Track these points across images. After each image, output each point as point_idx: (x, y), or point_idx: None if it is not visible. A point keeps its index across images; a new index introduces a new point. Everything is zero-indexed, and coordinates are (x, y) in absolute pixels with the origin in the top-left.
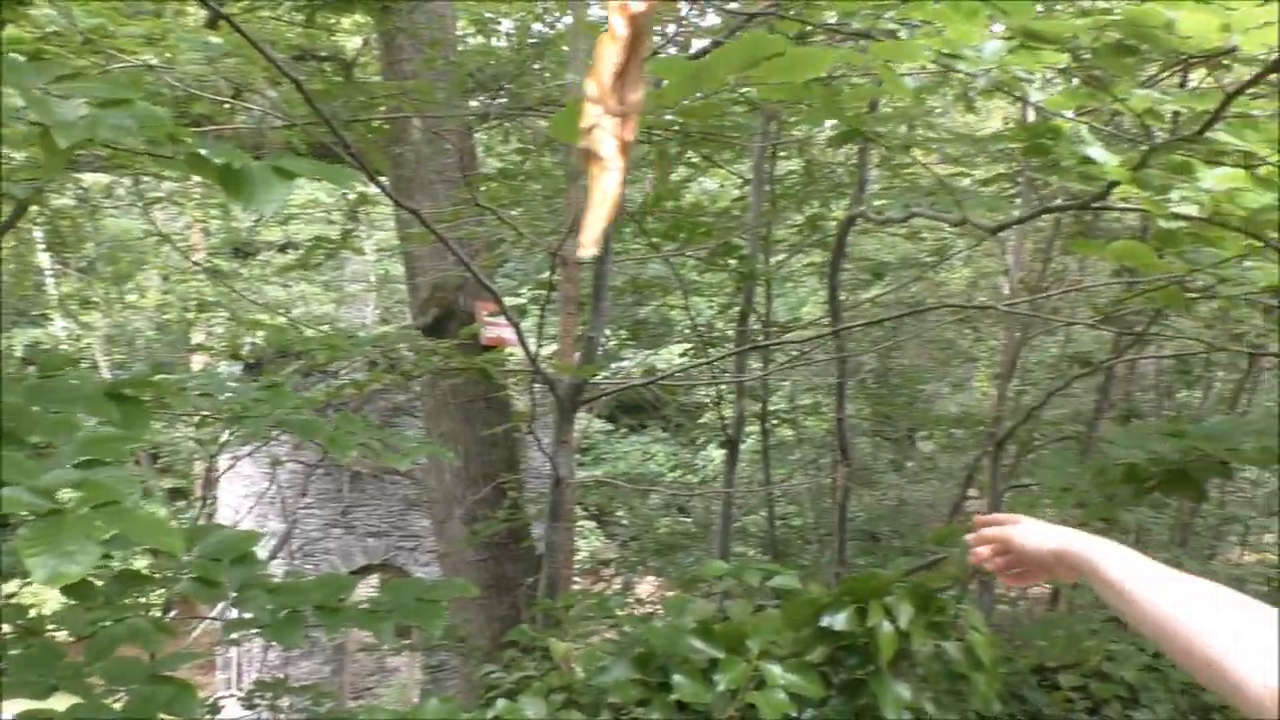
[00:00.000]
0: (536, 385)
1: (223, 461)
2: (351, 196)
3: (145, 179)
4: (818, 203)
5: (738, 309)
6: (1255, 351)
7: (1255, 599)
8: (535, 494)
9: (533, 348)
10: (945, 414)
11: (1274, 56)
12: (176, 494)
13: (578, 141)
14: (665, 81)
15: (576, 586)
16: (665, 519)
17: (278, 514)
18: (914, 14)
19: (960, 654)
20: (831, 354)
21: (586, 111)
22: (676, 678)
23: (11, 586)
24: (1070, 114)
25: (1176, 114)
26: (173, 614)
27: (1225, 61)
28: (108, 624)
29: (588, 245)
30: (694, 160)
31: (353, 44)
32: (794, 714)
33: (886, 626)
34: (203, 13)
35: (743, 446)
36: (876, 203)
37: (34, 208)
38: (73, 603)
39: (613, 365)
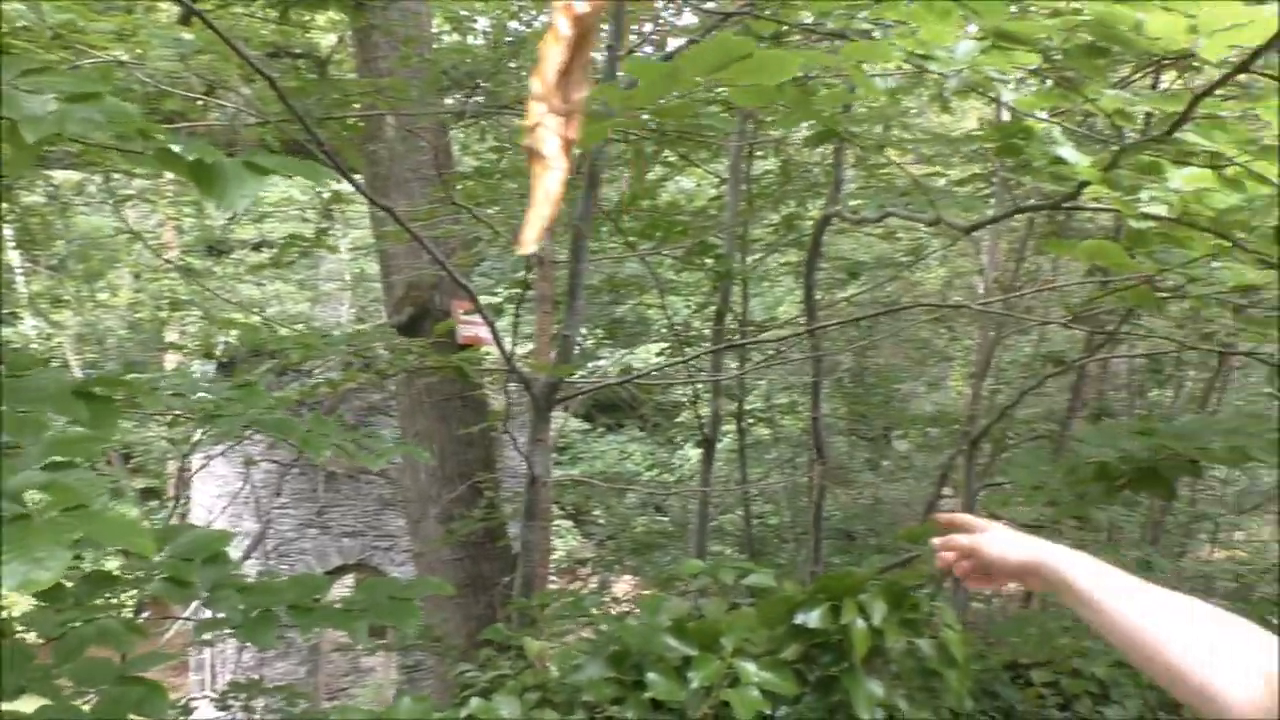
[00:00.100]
0: (512, 384)
1: (195, 461)
2: (326, 194)
3: (116, 176)
4: (794, 202)
5: (714, 308)
6: (1225, 350)
7: (1226, 598)
8: (512, 493)
9: (508, 346)
10: (920, 413)
11: (1241, 58)
12: (149, 494)
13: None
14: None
15: (553, 585)
16: (642, 518)
17: (252, 514)
18: (887, 14)
19: (933, 651)
20: (807, 353)
21: (530, 110)
22: (651, 676)
23: None
24: (1044, 115)
25: (1149, 115)
26: (145, 615)
27: (1196, 64)
28: (77, 625)
29: (528, 243)
30: (671, 159)
31: (327, 41)
32: (768, 711)
33: (860, 624)
34: (175, 9)
35: (719, 445)
36: (852, 202)
37: (3, 205)
38: (42, 604)
39: (589, 364)
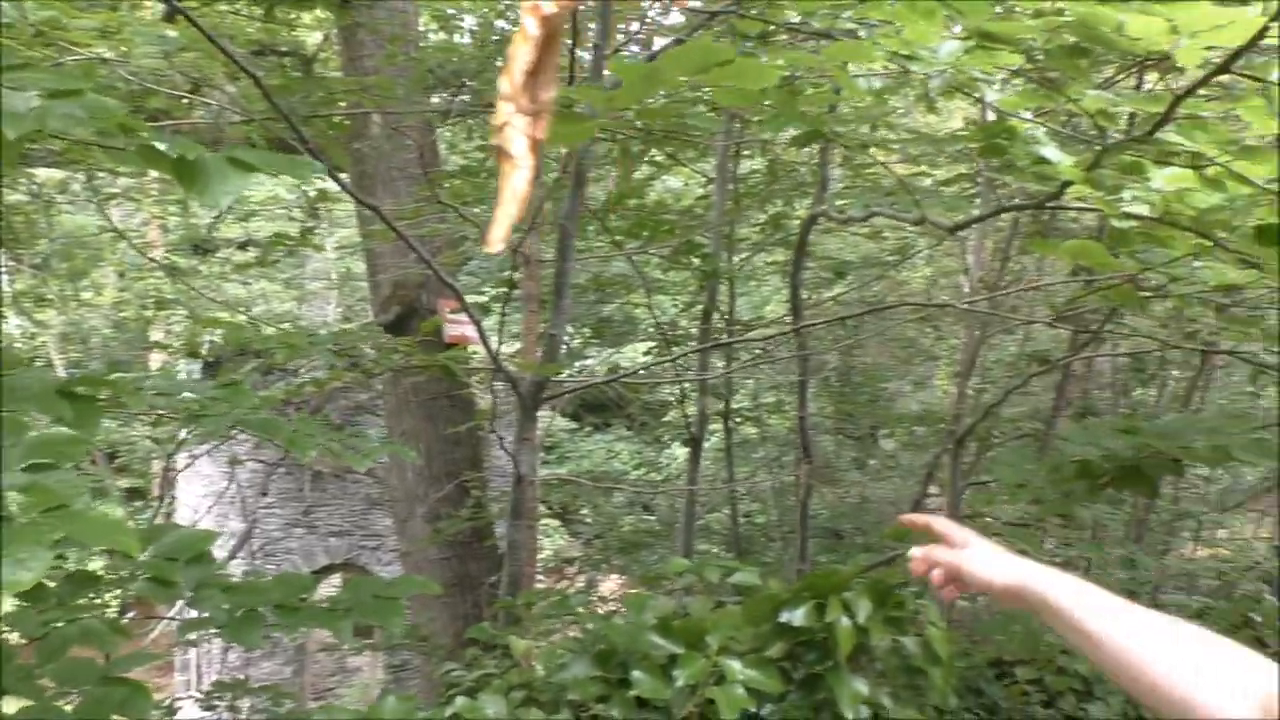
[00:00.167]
0: (499, 383)
1: (180, 460)
2: (312, 193)
3: (101, 174)
4: (780, 202)
5: (701, 307)
6: (1208, 350)
7: (1209, 595)
8: (499, 492)
9: (495, 345)
10: (907, 412)
11: (1222, 59)
12: (134, 494)
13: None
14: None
15: (540, 584)
16: (629, 517)
17: (238, 513)
18: (872, 14)
19: (918, 649)
20: (794, 352)
21: (499, 109)
22: (636, 674)
23: None
24: (1028, 115)
25: (1131, 116)
26: (130, 615)
27: (1178, 65)
28: (60, 625)
29: (495, 242)
30: (657, 158)
31: (313, 39)
32: (753, 709)
33: (845, 622)
34: (159, 6)
35: (706, 444)
36: (839, 202)
37: None
38: (25, 604)
39: (576, 363)
